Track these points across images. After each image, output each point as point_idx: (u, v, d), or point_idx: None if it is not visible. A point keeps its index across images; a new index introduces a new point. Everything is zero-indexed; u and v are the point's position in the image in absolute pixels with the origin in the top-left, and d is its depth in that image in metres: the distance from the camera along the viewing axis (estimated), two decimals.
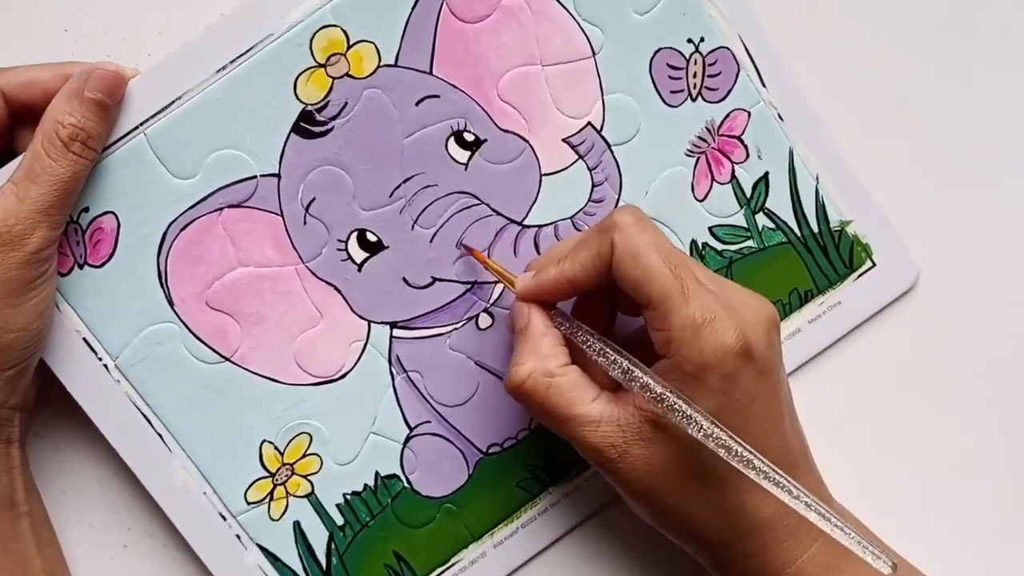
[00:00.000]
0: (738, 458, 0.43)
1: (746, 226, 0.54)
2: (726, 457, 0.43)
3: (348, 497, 0.52)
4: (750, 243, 0.54)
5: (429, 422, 0.53)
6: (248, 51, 0.49)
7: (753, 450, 0.43)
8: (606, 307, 0.50)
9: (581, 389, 0.46)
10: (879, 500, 0.53)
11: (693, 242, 0.53)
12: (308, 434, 0.52)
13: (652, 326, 0.45)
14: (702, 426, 0.43)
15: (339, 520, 0.52)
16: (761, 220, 0.54)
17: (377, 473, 0.52)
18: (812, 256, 0.54)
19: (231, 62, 0.49)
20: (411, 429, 0.53)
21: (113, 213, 0.50)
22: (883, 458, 0.56)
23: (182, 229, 0.50)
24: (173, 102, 0.49)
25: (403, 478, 0.53)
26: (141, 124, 0.49)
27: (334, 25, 0.50)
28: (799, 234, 0.54)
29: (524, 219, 0.52)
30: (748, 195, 0.54)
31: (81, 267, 0.50)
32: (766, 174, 0.54)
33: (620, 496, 0.49)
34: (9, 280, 0.46)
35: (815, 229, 0.54)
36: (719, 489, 0.46)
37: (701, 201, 0.53)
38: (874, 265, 0.55)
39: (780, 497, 0.42)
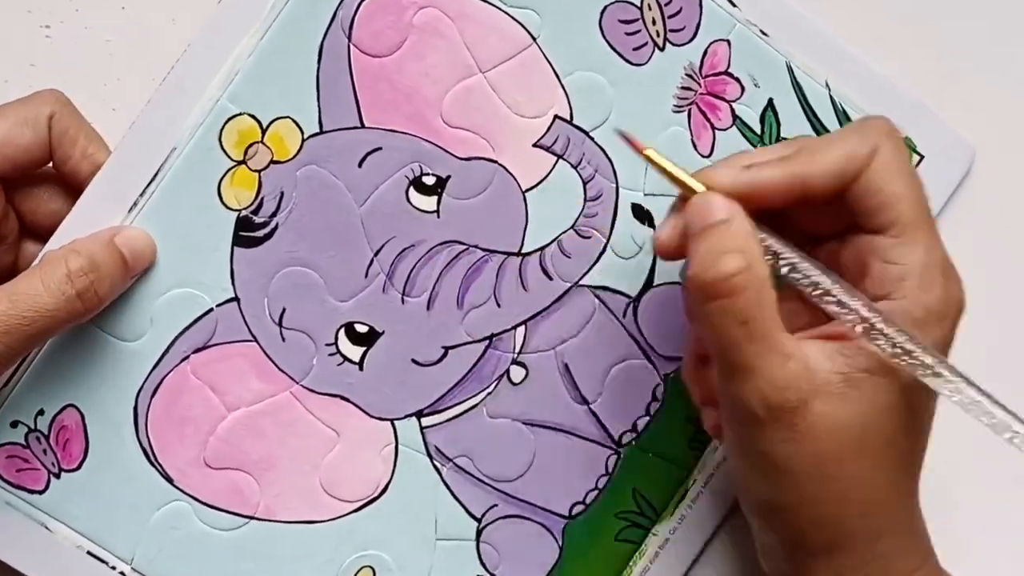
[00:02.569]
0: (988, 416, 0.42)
1: None
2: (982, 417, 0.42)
3: None
4: None
5: (496, 506, 0.52)
6: (155, 176, 0.49)
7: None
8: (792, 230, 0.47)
9: (780, 314, 0.43)
10: None
11: None
12: (370, 567, 0.52)
13: (885, 256, 0.44)
14: (943, 374, 0.42)
15: None
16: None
17: None
18: None
19: (141, 195, 0.49)
20: (479, 521, 0.52)
21: (73, 406, 0.50)
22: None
23: (152, 395, 0.50)
24: None
25: None
26: None
27: (239, 114, 0.50)
28: None
29: (521, 247, 0.52)
30: (758, 131, 0.53)
31: (58, 476, 0.50)
32: (770, 101, 0.53)
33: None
34: None
35: None
36: (891, 467, 0.44)
37: (708, 156, 0.53)
38: (922, 157, 0.54)
39: None
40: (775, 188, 0.44)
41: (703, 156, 0.52)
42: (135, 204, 0.49)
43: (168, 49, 0.51)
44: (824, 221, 0.46)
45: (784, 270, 0.44)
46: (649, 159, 0.45)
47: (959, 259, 0.54)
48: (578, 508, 0.53)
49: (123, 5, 0.53)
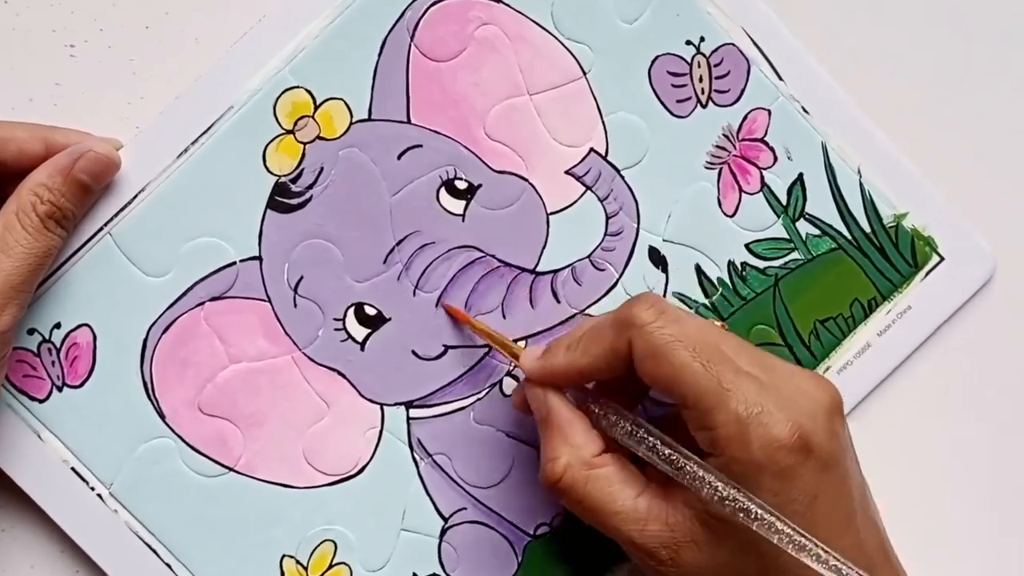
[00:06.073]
0: (815, 558, 0.44)
1: (787, 236, 0.56)
2: (800, 557, 0.44)
3: None
4: (795, 255, 0.56)
5: (465, 509, 0.55)
6: (209, 129, 0.53)
7: (829, 550, 0.44)
8: (633, 383, 0.51)
9: (624, 482, 0.49)
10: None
11: (730, 263, 0.56)
12: (332, 541, 0.54)
13: (693, 426, 0.47)
14: (770, 523, 0.45)
15: None
16: (804, 227, 0.56)
17: (415, 575, 0.54)
18: (869, 259, 0.57)
19: (192, 143, 0.53)
20: (446, 520, 0.55)
21: (87, 325, 0.53)
22: (968, 483, 0.58)
23: (163, 332, 0.54)
24: (136, 195, 0.53)
25: None
26: (105, 224, 0.53)
27: (297, 87, 0.54)
28: (850, 237, 0.57)
29: (536, 266, 0.55)
30: (784, 202, 0.56)
31: (60, 390, 0.53)
32: (800, 175, 0.56)
33: None
34: None
35: (867, 229, 0.57)
36: None
37: (731, 216, 0.56)
38: (942, 259, 0.57)
39: None
40: (559, 375, 0.50)
41: (727, 215, 0.56)
42: (185, 151, 0.53)
43: (191, 67, 0.54)
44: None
45: (620, 436, 0.49)
46: (472, 326, 0.53)
47: (974, 366, 0.57)
48: (543, 529, 0.55)
49: (147, 25, 0.55)
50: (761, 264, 0.56)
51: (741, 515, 0.45)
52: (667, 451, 0.47)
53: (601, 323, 0.49)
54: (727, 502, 0.45)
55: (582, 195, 0.55)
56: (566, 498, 0.49)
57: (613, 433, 0.49)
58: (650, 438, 0.48)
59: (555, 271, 0.55)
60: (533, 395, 0.51)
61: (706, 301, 0.56)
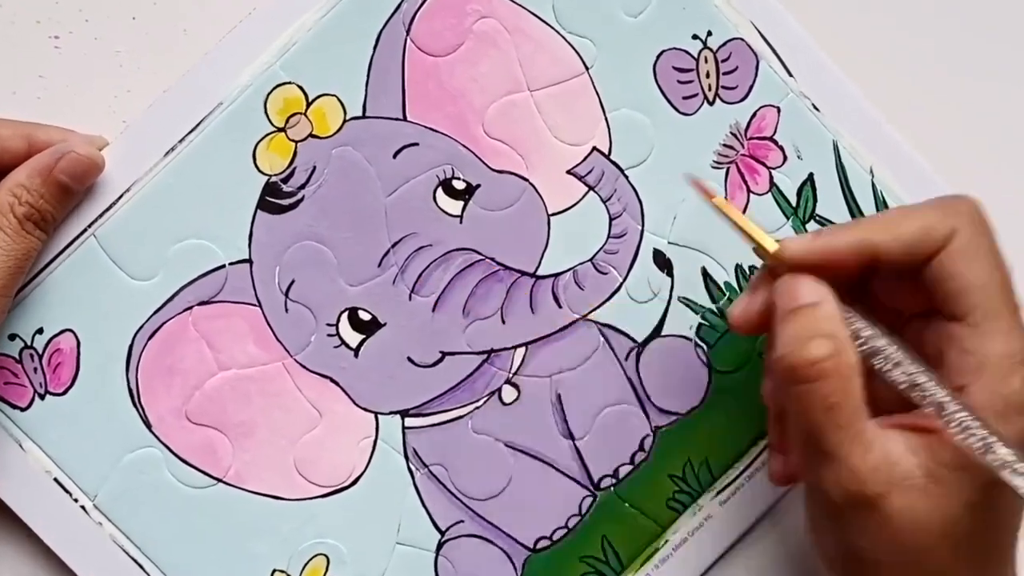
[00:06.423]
0: None
1: None
2: None
3: None
4: None
5: (462, 522, 0.53)
6: (197, 126, 0.52)
7: None
8: (877, 304, 0.48)
9: (866, 400, 0.44)
10: None
11: (738, 267, 0.54)
12: (324, 555, 0.53)
13: (962, 346, 0.44)
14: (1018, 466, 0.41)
15: None
16: (814, 229, 0.54)
17: None
18: None
19: (180, 141, 0.52)
20: (442, 533, 0.53)
21: (71, 331, 0.52)
22: None
23: (150, 337, 0.52)
24: (121, 195, 0.52)
25: None
26: (89, 226, 0.52)
27: (288, 82, 0.52)
28: None
29: (537, 269, 0.53)
30: (793, 203, 0.55)
31: (43, 397, 0.52)
32: (811, 175, 0.55)
33: None
34: None
35: None
36: (982, 569, 0.44)
37: None
38: None
39: None
40: (846, 253, 0.45)
41: None
42: (172, 149, 0.52)
43: (179, 60, 0.53)
44: (906, 298, 0.47)
45: (868, 355, 0.44)
46: (719, 208, 0.48)
47: None
48: (543, 543, 0.54)
49: (134, 15, 0.54)
50: None
51: (990, 457, 0.41)
52: (920, 376, 0.43)
53: (912, 206, 0.46)
54: (977, 439, 0.42)
55: (584, 196, 0.54)
56: (814, 384, 0.44)
57: (872, 358, 0.44)
58: (906, 360, 0.44)
59: (556, 274, 0.53)
60: (794, 286, 0.45)
61: (713, 306, 0.54)
